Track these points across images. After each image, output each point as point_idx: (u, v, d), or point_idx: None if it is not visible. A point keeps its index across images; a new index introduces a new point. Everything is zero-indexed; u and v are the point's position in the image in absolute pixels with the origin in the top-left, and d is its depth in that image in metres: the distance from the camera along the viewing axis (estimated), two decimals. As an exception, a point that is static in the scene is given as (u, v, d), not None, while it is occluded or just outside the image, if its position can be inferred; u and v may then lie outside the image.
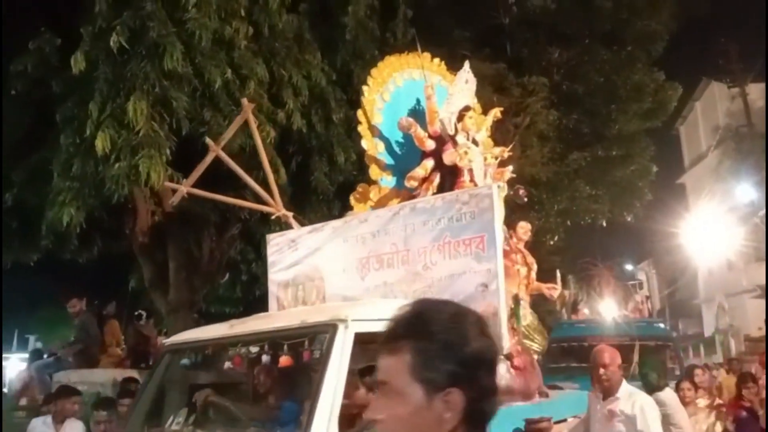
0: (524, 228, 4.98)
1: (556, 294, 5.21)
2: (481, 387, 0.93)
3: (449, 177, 4.39)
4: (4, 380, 7.56)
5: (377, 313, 2.64)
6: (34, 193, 5.77)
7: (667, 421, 4.04)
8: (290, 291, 3.51)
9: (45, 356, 7.81)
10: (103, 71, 5.03)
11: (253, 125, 4.32)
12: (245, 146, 5.27)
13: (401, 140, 4.72)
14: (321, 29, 6.96)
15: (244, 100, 4.27)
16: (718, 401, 5.65)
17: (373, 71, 4.79)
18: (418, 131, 4.42)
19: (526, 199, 5.15)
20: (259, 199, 4.31)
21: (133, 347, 7.44)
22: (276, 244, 3.75)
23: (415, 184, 4.40)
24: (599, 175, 11.78)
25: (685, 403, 4.77)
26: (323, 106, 6.64)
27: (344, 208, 5.00)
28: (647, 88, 11.56)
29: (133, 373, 6.03)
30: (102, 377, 6.25)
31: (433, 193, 4.19)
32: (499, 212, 3.63)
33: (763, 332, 12.74)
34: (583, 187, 11.50)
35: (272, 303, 3.63)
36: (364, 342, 2.59)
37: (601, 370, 3.39)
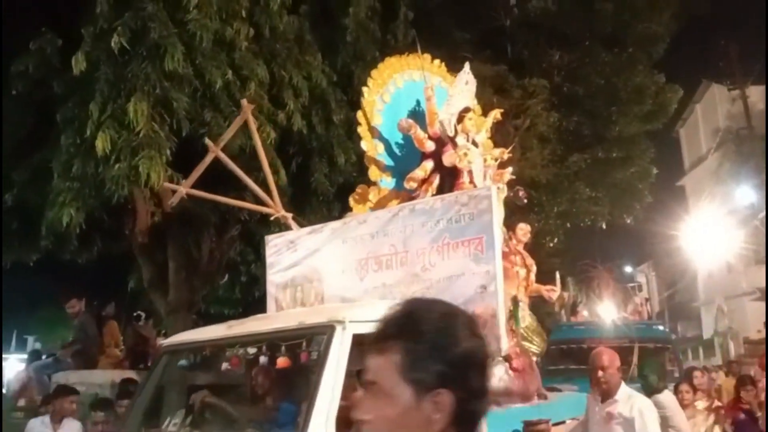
0: (523, 230, 4.99)
1: (555, 296, 5.21)
2: (471, 388, 0.92)
3: (449, 178, 4.40)
4: (3, 381, 7.54)
5: (375, 314, 2.61)
6: (35, 193, 5.77)
7: (666, 423, 4.04)
8: (289, 292, 3.51)
9: (44, 357, 7.81)
10: (104, 72, 5.04)
11: (253, 126, 4.32)
12: (245, 147, 5.27)
13: (401, 141, 4.73)
14: (322, 30, 6.97)
15: (244, 101, 4.28)
16: (717, 403, 5.65)
17: (374, 72, 4.80)
18: (417, 132, 4.43)
19: (525, 201, 5.16)
20: (258, 200, 4.31)
21: (132, 348, 7.44)
22: (275, 245, 3.76)
23: (414, 185, 4.40)
24: (599, 177, 11.77)
25: (683, 405, 4.77)
26: (324, 108, 6.64)
27: (344, 210, 5.00)
28: (648, 90, 11.57)
29: (132, 374, 6.04)
30: (101, 378, 6.25)
31: (433, 195, 4.20)
32: (498, 214, 3.64)
33: (762, 335, 12.73)
34: (583, 189, 11.50)
35: (271, 304, 3.63)
36: (361, 343, 2.59)
37: (600, 373, 3.39)
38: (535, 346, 4.81)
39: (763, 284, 14.19)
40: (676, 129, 24.27)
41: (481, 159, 4.51)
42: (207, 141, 4.26)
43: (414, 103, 4.84)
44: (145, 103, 4.86)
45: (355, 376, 2.73)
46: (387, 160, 4.69)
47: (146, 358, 7.12)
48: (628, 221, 12.87)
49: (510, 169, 4.80)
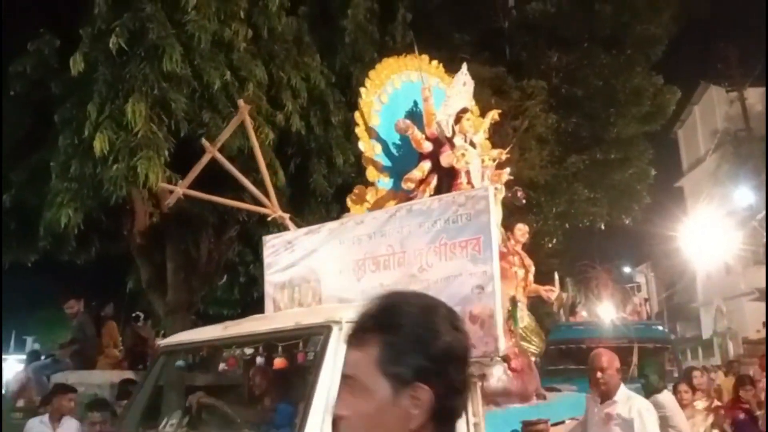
0: (522, 230, 5.00)
1: (553, 296, 5.23)
2: (450, 383, 0.90)
3: (446, 179, 4.40)
4: (2, 381, 7.52)
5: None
6: (33, 193, 5.76)
7: (665, 423, 4.05)
8: (286, 293, 3.51)
9: (42, 357, 7.80)
10: (102, 73, 5.04)
11: (250, 126, 4.32)
12: (243, 148, 5.27)
13: (398, 142, 4.73)
14: (320, 32, 6.98)
15: (241, 102, 4.28)
16: (716, 403, 5.65)
17: (371, 73, 4.80)
18: (415, 133, 4.43)
19: (524, 201, 5.17)
20: (256, 201, 4.31)
21: (131, 348, 7.44)
22: (272, 245, 3.76)
23: (412, 185, 4.41)
24: (598, 178, 11.78)
25: (682, 405, 4.78)
26: (322, 109, 6.65)
27: (343, 210, 5.01)
28: (646, 91, 11.57)
29: (131, 375, 6.03)
30: (99, 378, 6.26)
31: (430, 195, 4.20)
32: (496, 214, 3.65)
33: (761, 335, 12.75)
34: (581, 190, 11.50)
35: (268, 304, 3.63)
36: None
37: (599, 374, 3.39)
38: (533, 347, 4.82)
39: (762, 284, 14.22)
40: (675, 130, 24.30)
41: (478, 160, 4.51)
42: (204, 141, 4.26)
43: (412, 103, 4.85)
44: (143, 103, 4.86)
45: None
46: (385, 161, 4.69)
47: (145, 359, 7.12)
48: (627, 222, 12.88)
49: (508, 169, 4.81)
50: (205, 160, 4.04)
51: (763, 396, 5.51)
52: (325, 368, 2.45)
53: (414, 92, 4.81)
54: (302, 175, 6.75)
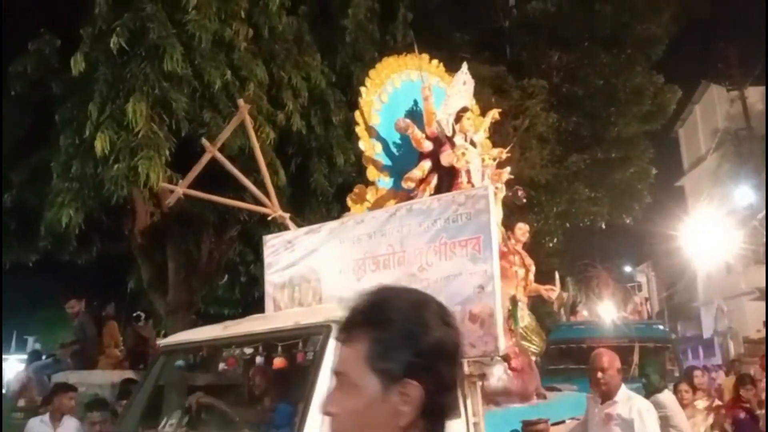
0: (522, 229, 5.00)
1: (554, 295, 5.22)
2: (440, 379, 0.88)
3: (447, 178, 4.40)
4: (3, 381, 7.54)
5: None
6: (34, 193, 5.78)
7: (666, 423, 4.04)
8: (286, 292, 3.51)
9: (43, 357, 7.81)
10: (103, 72, 5.04)
11: (250, 126, 4.33)
12: (244, 147, 5.28)
13: (399, 141, 4.74)
14: (321, 31, 6.98)
15: (241, 101, 4.28)
16: (717, 403, 5.65)
17: (371, 72, 4.81)
18: (415, 132, 4.43)
19: (525, 201, 5.17)
20: (256, 200, 4.32)
21: (132, 348, 7.45)
22: (272, 245, 3.76)
23: (412, 185, 4.41)
24: (598, 178, 11.78)
25: (683, 405, 4.77)
26: (323, 108, 6.65)
27: (343, 210, 5.01)
28: (647, 91, 11.57)
29: (132, 375, 6.04)
30: (100, 378, 6.27)
31: (431, 195, 4.20)
32: (496, 213, 3.65)
33: (762, 334, 12.73)
34: (582, 190, 11.50)
35: (269, 304, 3.63)
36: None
37: (599, 374, 3.38)
38: (534, 346, 4.82)
39: (762, 284, 14.20)
40: (675, 129, 24.27)
41: (479, 159, 4.51)
42: (204, 141, 4.26)
43: (412, 102, 4.85)
44: (144, 103, 4.86)
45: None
46: (385, 160, 4.69)
47: (146, 359, 7.11)
48: (628, 221, 12.87)
49: (508, 168, 4.81)
50: (205, 159, 4.04)
51: (763, 395, 5.51)
52: (325, 368, 2.45)
53: (414, 91, 4.81)
54: (303, 175, 6.76)
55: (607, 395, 3.40)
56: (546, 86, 11.03)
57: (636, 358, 7.52)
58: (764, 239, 15.38)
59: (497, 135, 6.15)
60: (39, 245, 6.35)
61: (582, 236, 13.57)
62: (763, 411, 5.30)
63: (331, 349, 2.48)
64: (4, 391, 7.16)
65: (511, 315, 4.29)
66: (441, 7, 11.10)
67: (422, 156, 4.53)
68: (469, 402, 2.87)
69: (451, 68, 5.16)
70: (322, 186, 6.73)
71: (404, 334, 0.87)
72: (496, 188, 4.26)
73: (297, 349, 2.79)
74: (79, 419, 4.39)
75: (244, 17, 5.69)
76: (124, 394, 5.08)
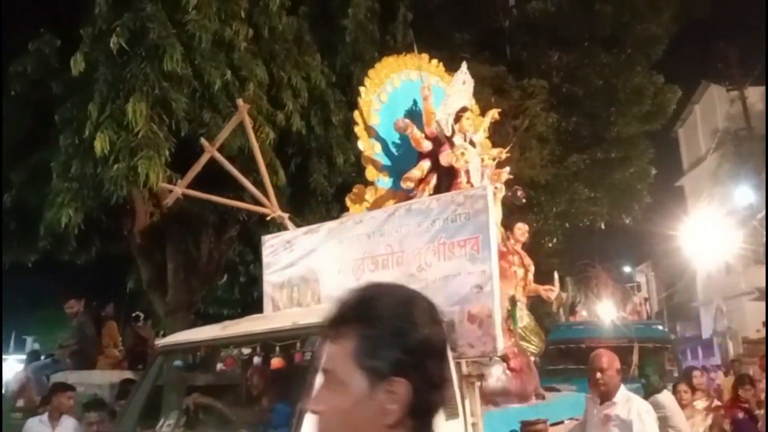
0: (521, 229, 5.00)
1: (553, 295, 5.22)
2: (428, 377, 0.87)
3: (446, 178, 4.40)
4: (2, 381, 7.54)
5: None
6: (33, 193, 5.78)
7: (665, 423, 4.04)
8: (285, 292, 3.52)
9: (42, 357, 7.81)
10: (103, 72, 5.05)
11: (249, 126, 4.33)
12: (244, 147, 5.28)
13: (398, 141, 4.74)
14: (321, 31, 6.98)
15: (240, 101, 4.28)
16: (716, 403, 5.65)
17: (371, 72, 4.81)
18: (414, 132, 4.43)
19: (524, 201, 5.18)
20: (255, 200, 4.32)
21: (131, 349, 7.45)
22: (271, 245, 3.76)
23: (411, 185, 4.41)
24: (598, 178, 11.78)
25: (682, 405, 4.77)
26: (322, 108, 6.65)
27: (343, 210, 5.01)
28: (646, 91, 11.57)
29: (131, 375, 6.04)
30: (99, 379, 6.27)
31: (430, 194, 4.20)
32: (494, 213, 3.65)
33: (761, 334, 12.74)
34: (581, 190, 11.50)
35: (267, 304, 3.63)
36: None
37: (599, 375, 3.38)
38: (533, 346, 4.82)
39: (762, 284, 14.20)
40: (675, 129, 24.27)
41: (478, 159, 4.52)
42: (203, 141, 4.27)
43: (411, 102, 4.85)
44: (143, 103, 4.86)
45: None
46: (384, 160, 4.70)
47: (145, 359, 7.11)
48: (627, 221, 12.87)
49: (507, 168, 4.81)
50: (203, 159, 4.04)
51: (762, 396, 5.51)
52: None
53: (414, 91, 4.81)
54: (303, 175, 6.76)
55: (606, 396, 3.40)
56: (546, 86, 11.03)
57: (635, 358, 7.52)
58: (764, 239, 15.38)
59: (497, 135, 6.15)
60: (38, 245, 6.35)
61: (581, 236, 13.57)
62: (762, 411, 5.30)
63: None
64: (2, 391, 7.16)
65: (510, 315, 4.29)
66: (441, 7, 11.10)
67: (421, 156, 4.54)
68: (467, 402, 2.87)
69: (451, 68, 5.16)
70: (321, 186, 6.73)
71: (392, 332, 0.86)
72: (496, 188, 4.26)
73: (295, 349, 2.79)
74: (78, 419, 4.39)
75: (244, 17, 5.69)
76: (123, 395, 5.07)
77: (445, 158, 4.38)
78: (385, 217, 3.30)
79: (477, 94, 5.16)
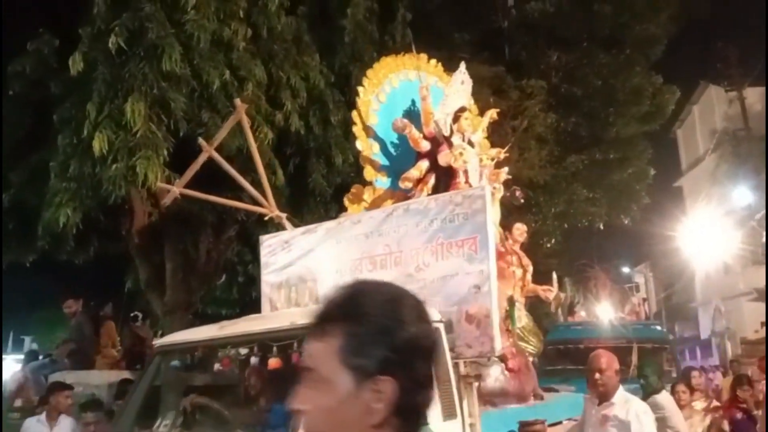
0: (520, 230, 4.99)
1: (551, 296, 5.22)
2: (416, 376, 0.85)
3: (444, 178, 4.41)
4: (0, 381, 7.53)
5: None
6: (32, 193, 5.78)
7: (663, 423, 4.04)
8: (283, 292, 3.52)
9: (40, 357, 7.79)
10: (101, 72, 5.05)
11: (247, 126, 4.33)
12: (242, 147, 5.28)
13: (396, 141, 4.74)
14: (319, 31, 6.98)
15: (237, 101, 4.28)
16: (715, 403, 5.65)
17: (369, 72, 4.81)
18: (413, 132, 4.43)
19: (522, 201, 5.18)
20: (254, 200, 4.32)
21: (129, 349, 7.44)
22: (269, 245, 3.76)
23: (409, 185, 4.41)
24: (597, 178, 11.79)
25: (680, 405, 4.77)
26: (321, 108, 6.65)
27: (342, 210, 5.01)
28: (645, 91, 11.59)
29: (129, 375, 6.03)
30: (97, 379, 6.26)
31: (428, 194, 4.20)
32: (493, 214, 3.65)
33: (760, 335, 12.75)
34: (580, 190, 11.52)
35: (265, 304, 3.63)
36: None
37: (597, 375, 3.38)
38: (531, 347, 4.82)
39: (761, 284, 14.22)
40: (674, 130, 24.28)
41: (476, 159, 4.52)
42: (200, 141, 4.27)
43: (409, 102, 4.85)
44: (142, 103, 4.87)
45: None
46: (382, 160, 4.70)
47: (143, 359, 7.09)
48: (626, 222, 12.88)
49: (506, 168, 4.81)
50: (201, 159, 4.04)
51: (760, 396, 5.51)
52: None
53: (412, 91, 4.81)
54: (301, 175, 6.76)
55: (604, 396, 3.40)
56: (545, 86, 11.04)
57: (634, 358, 7.53)
58: (763, 240, 15.40)
59: (496, 135, 6.16)
60: (37, 245, 6.35)
61: (580, 237, 13.58)
62: (760, 411, 5.30)
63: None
64: (1, 391, 7.15)
65: (509, 315, 4.29)
66: (440, 7, 11.11)
67: (420, 156, 4.54)
68: (465, 403, 2.87)
69: (450, 68, 5.17)
70: (320, 186, 6.74)
71: (378, 329, 0.84)
72: (494, 188, 4.26)
73: (292, 349, 2.79)
74: (75, 419, 4.38)
75: (243, 17, 5.70)
76: (120, 394, 5.07)
77: (444, 158, 4.38)
78: (383, 217, 3.31)
79: (476, 94, 5.16)
